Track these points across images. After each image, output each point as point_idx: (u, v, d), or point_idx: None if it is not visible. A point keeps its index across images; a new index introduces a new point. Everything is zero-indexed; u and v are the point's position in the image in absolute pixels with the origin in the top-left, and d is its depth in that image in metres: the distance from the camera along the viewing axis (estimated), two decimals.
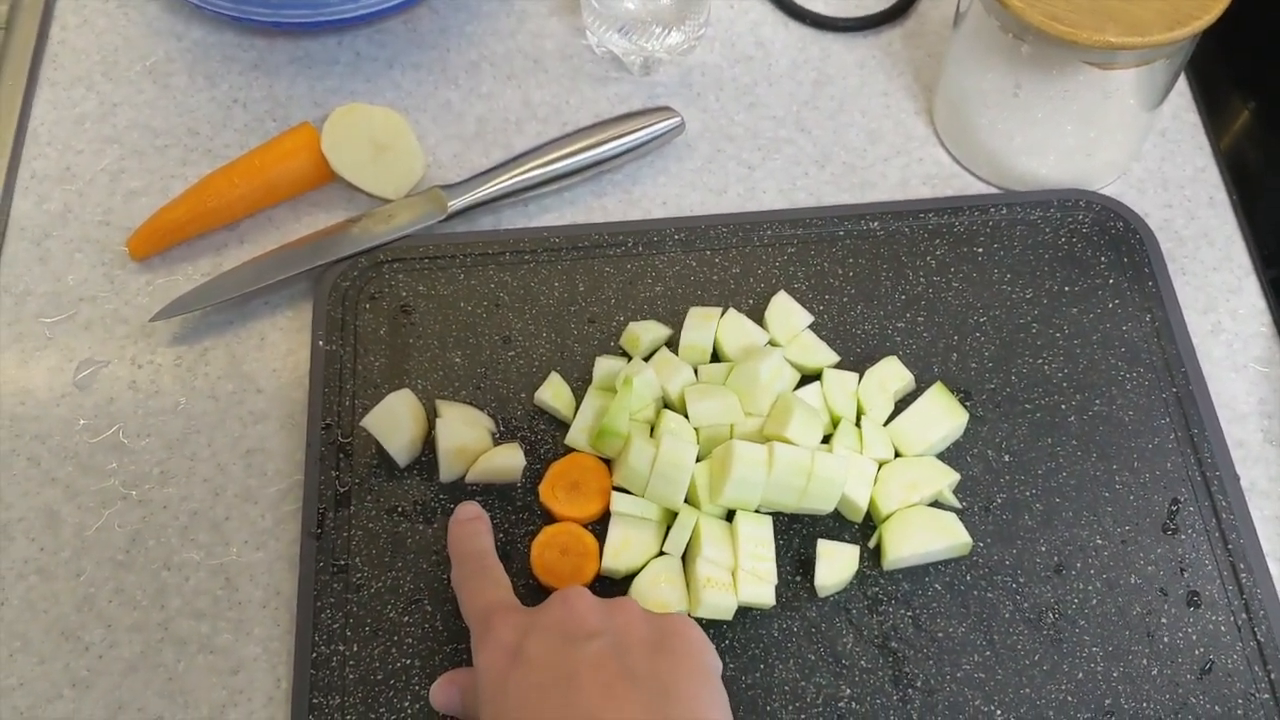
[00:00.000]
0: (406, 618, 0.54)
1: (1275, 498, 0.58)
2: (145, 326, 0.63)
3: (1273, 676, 0.52)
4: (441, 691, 0.50)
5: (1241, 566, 0.55)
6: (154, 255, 0.65)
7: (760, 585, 0.53)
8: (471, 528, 0.53)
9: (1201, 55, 0.73)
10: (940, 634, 0.54)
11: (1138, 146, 0.67)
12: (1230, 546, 0.55)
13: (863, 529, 0.56)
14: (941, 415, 0.57)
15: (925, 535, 0.54)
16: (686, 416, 0.56)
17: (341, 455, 0.58)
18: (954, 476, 0.56)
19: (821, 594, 0.54)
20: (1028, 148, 0.65)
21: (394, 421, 0.57)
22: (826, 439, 0.57)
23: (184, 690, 0.54)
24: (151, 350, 0.62)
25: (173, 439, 0.60)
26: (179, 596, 0.56)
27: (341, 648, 0.53)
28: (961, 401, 0.59)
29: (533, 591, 0.54)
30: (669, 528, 0.55)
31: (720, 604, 0.52)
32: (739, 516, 0.54)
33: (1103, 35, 0.56)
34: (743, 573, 0.53)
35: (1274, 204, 0.67)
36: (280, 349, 0.62)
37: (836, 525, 0.56)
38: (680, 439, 0.54)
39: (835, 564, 0.54)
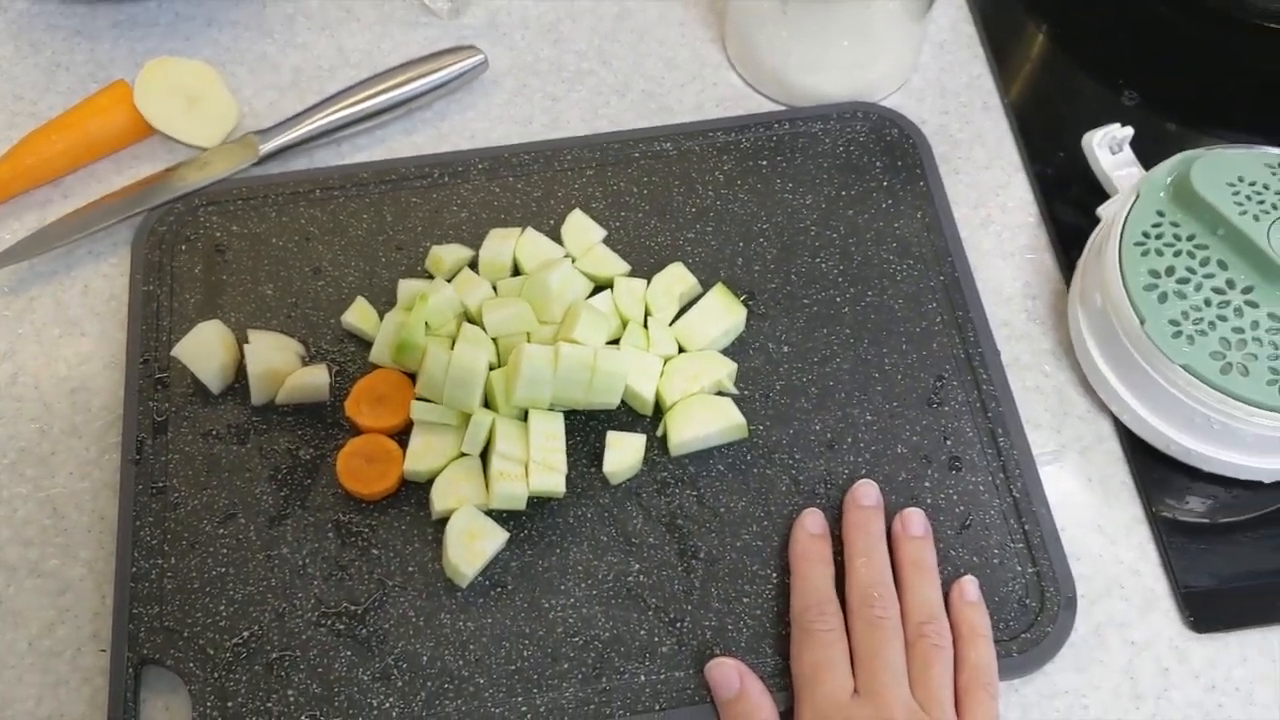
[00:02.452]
0: (221, 530, 0.57)
1: (1036, 370, 0.63)
2: None
3: (1026, 528, 0.57)
4: (723, 673, 0.52)
5: (999, 432, 0.59)
6: None
7: (551, 475, 0.56)
8: (807, 550, 0.55)
9: None
10: (722, 509, 0.58)
11: (913, 58, 0.72)
12: (989, 414, 0.60)
13: (655, 421, 0.60)
14: (722, 312, 0.61)
15: (704, 419, 0.58)
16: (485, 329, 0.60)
17: (159, 386, 0.61)
18: (731, 366, 0.60)
19: (613, 481, 0.58)
20: (806, 65, 0.69)
21: (204, 349, 0.60)
22: (619, 341, 0.61)
23: (14, 612, 0.57)
24: None
25: (1, 383, 0.62)
26: (8, 527, 0.59)
27: (160, 561, 0.56)
28: (745, 301, 0.63)
29: (342, 500, 0.58)
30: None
31: (512, 493, 0.56)
32: (532, 414, 0.58)
33: None
34: (534, 464, 0.56)
35: (1040, 102, 0.72)
36: (103, 294, 0.65)
37: (630, 419, 0.60)
38: (472, 345, 0.57)
39: (622, 452, 0.58)
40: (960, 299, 0.63)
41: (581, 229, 0.64)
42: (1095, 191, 0.66)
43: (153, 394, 0.60)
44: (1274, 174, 0.58)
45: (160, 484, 0.58)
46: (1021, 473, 0.58)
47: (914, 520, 0.56)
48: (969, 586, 0.55)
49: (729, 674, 0.53)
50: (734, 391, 0.60)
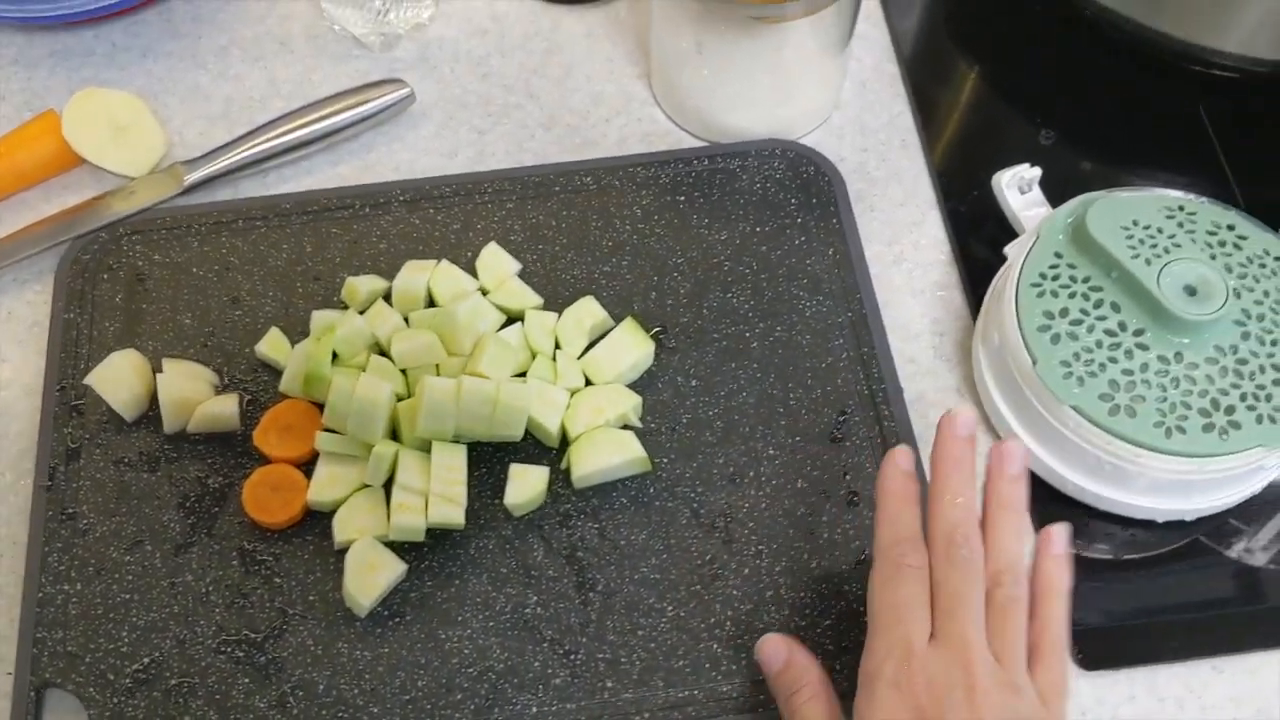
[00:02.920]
0: (128, 557, 0.58)
1: (940, 407, 0.63)
2: None
3: None
4: (771, 650, 0.52)
5: None
6: None
7: (449, 507, 0.57)
8: (898, 488, 0.51)
9: (912, 7, 0.79)
10: (623, 542, 0.58)
11: (833, 96, 0.73)
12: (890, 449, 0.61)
13: (561, 454, 0.61)
14: (630, 346, 0.62)
15: (607, 452, 0.59)
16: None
17: (74, 414, 0.62)
18: (636, 400, 0.61)
19: (515, 513, 0.59)
20: (725, 104, 0.70)
21: (117, 378, 0.61)
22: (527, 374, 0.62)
23: None
24: None
25: None
26: None
27: (66, 587, 0.57)
28: (656, 335, 0.64)
29: (247, 529, 0.58)
30: None
31: (410, 525, 0.57)
32: (435, 446, 0.58)
33: None
34: (433, 496, 0.57)
35: (958, 140, 0.73)
36: (26, 321, 0.66)
37: (537, 451, 0.61)
38: (375, 379, 0.58)
39: (525, 484, 0.59)
40: (866, 335, 0.64)
41: (496, 262, 0.65)
42: (1007, 231, 0.67)
43: (67, 421, 0.61)
44: (1169, 218, 0.59)
45: (70, 510, 0.59)
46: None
47: (1014, 457, 0.51)
48: (1058, 537, 0.51)
49: (776, 647, 0.52)
50: (638, 425, 0.61)
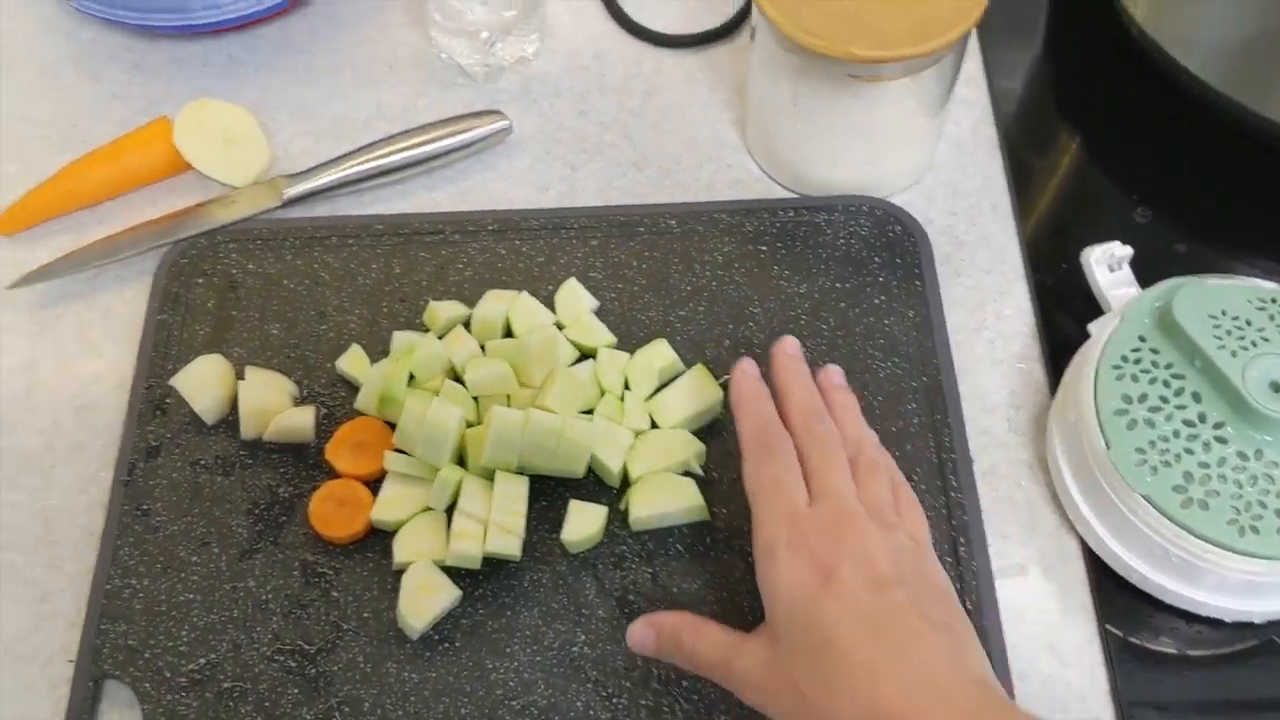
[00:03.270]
0: (195, 558, 0.60)
1: (1010, 481, 0.62)
2: (6, 294, 0.69)
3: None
4: (640, 633, 0.53)
5: (961, 541, 0.59)
6: (22, 231, 0.72)
7: (507, 538, 0.58)
8: (752, 388, 0.56)
9: (1015, 73, 0.78)
10: (675, 589, 0.58)
11: (927, 157, 0.72)
12: (954, 522, 0.60)
13: (621, 494, 0.61)
14: (698, 392, 0.62)
15: (665, 497, 0.59)
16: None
17: (158, 412, 0.64)
18: (699, 447, 0.61)
19: (571, 550, 0.59)
20: (815, 157, 0.70)
21: (201, 382, 0.63)
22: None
23: None
24: (11, 315, 0.69)
25: (17, 394, 0.66)
26: (3, 533, 0.62)
27: (133, 581, 0.59)
28: (725, 384, 0.64)
29: (311, 540, 0.60)
30: None
31: (466, 553, 0.57)
32: (498, 475, 0.59)
33: (848, 48, 0.61)
34: (492, 525, 0.58)
35: (1051, 210, 0.72)
36: (123, 319, 0.69)
37: (598, 489, 0.61)
38: (446, 404, 0.59)
39: (583, 521, 0.59)
40: (940, 402, 0.63)
41: (574, 298, 0.66)
42: (1094, 307, 0.66)
43: (151, 419, 0.64)
44: (1260, 310, 0.58)
45: (145, 507, 0.61)
46: (978, 584, 0.58)
47: (834, 371, 0.59)
48: (835, 371, 0.59)
49: (641, 632, 0.53)
50: (700, 473, 0.61)
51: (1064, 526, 0.61)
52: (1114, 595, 0.59)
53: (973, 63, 0.78)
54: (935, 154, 0.73)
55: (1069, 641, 0.58)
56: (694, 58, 0.79)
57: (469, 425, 0.61)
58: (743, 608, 0.58)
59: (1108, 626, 0.58)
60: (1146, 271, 0.65)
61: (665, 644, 0.53)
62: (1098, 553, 0.59)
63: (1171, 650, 0.58)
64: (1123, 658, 0.57)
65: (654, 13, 0.80)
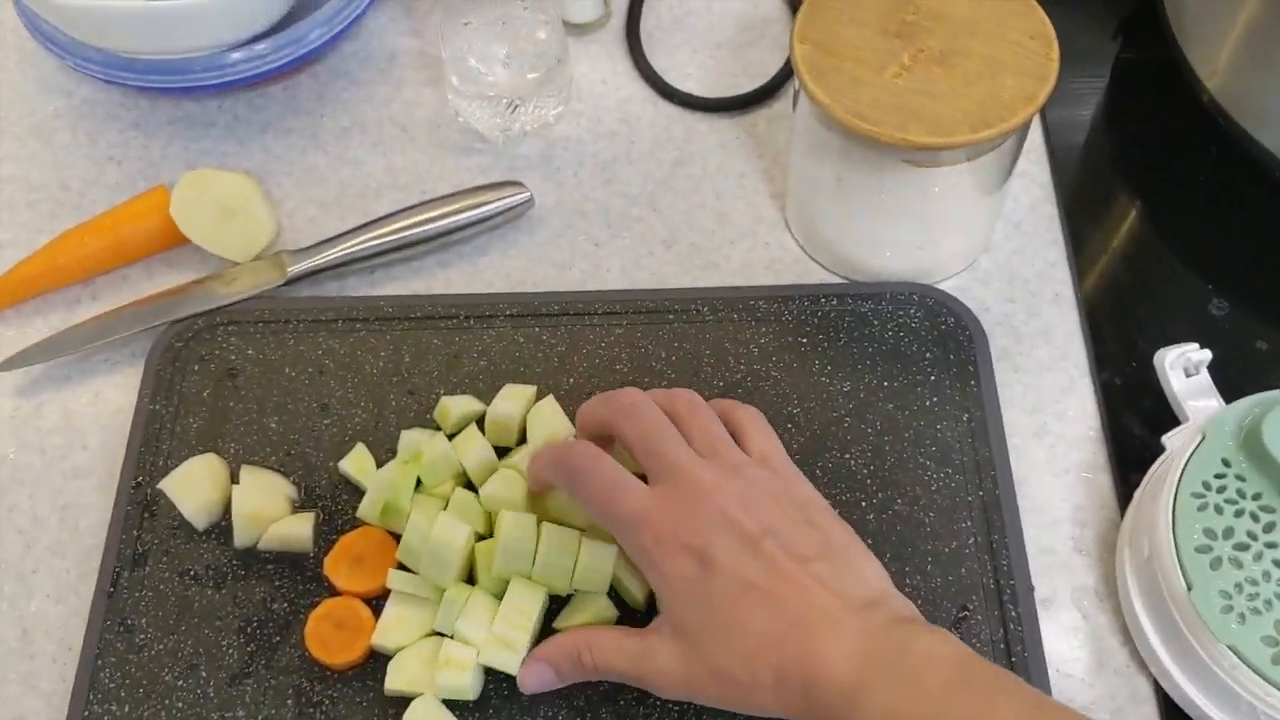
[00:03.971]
0: (181, 682, 0.55)
1: (1073, 609, 0.57)
2: None
3: None
4: (533, 673, 0.52)
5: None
6: (8, 308, 0.67)
7: (507, 654, 0.52)
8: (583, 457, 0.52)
9: (1077, 145, 0.72)
10: None
11: (980, 240, 0.67)
12: (1013, 659, 0.54)
13: (648, 619, 0.56)
14: None
15: None
16: None
17: (146, 514, 0.59)
18: None
19: None
20: (861, 239, 0.64)
21: (191, 485, 0.58)
22: None
23: None
24: None
25: None
26: None
27: (114, 708, 0.54)
28: None
29: (307, 664, 0.55)
30: None
31: (454, 685, 0.52)
32: (512, 582, 0.54)
33: (904, 134, 0.56)
34: (492, 637, 0.52)
35: (1117, 300, 0.66)
36: (111, 406, 0.64)
37: (623, 615, 0.56)
38: (453, 520, 0.54)
39: None
40: (998, 519, 0.58)
41: (547, 420, 0.60)
42: (1168, 412, 0.60)
43: (139, 523, 0.59)
44: None
45: (129, 622, 0.56)
46: None
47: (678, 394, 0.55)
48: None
49: (538, 674, 0.52)
50: None
51: (1134, 664, 0.55)
52: None
53: (1035, 133, 0.72)
54: (994, 233, 0.68)
55: None
56: (729, 123, 0.73)
57: (480, 538, 0.56)
58: None
59: None
60: (1225, 373, 0.59)
61: (567, 670, 0.51)
62: (1174, 698, 0.53)
63: None
64: None
65: (686, 73, 0.75)
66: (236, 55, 0.68)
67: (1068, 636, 0.56)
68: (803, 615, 0.47)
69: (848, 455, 0.60)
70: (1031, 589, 0.56)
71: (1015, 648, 0.54)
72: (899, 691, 0.44)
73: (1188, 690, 0.52)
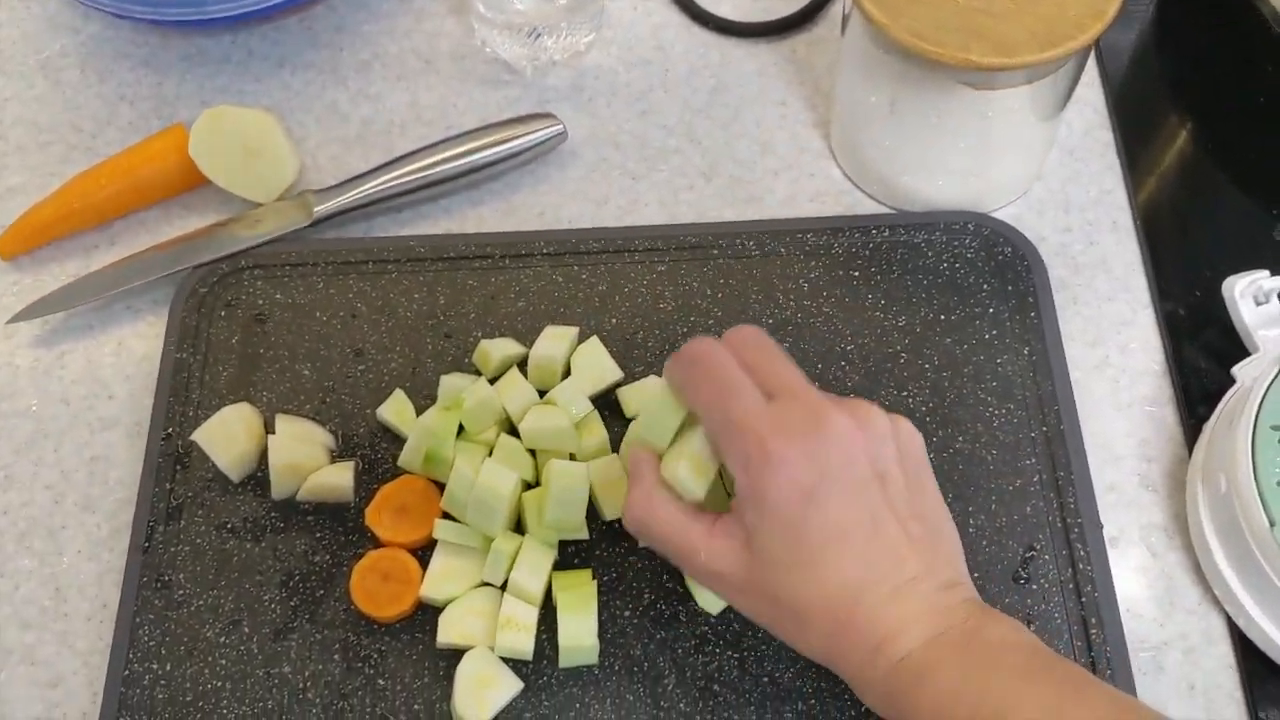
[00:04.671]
0: (223, 638, 0.53)
1: (1142, 547, 0.55)
2: (6, 328, 0.62)
3: None
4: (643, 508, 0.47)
5: (1092, 621, 0.52)
6: (23, 255, 0.64)
7: (517, 634, 0.51)
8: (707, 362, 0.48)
9: (1131, 66, 0.69)
10: (766, 679, 0.51)
11: (1035, 167, 0.64)
12: (1083, 599, 0.52)
13: None
14: None
15: None
16: None
17: (179, 467, 0.57)
18: None
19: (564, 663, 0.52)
20: (912, 166, 0.62)
21: (226, 436, 0.56)
22: None
23: (2, 700, 0.53)
24: (11, 352, 0.62)
25: (20, 443, 0.59)
26: (9, 605, 0.55)
27: (155, 666, 0.52)
28: None
29: (353, 618, 0.53)
30: None
31: (515, 646, 0.50)
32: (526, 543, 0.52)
33: (967, 54, 0.53)
34: (503, 619, 0.51)
35: (1179, 226, 0.63)
36: (136, 354, 0.62)
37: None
38: (498, 467, 0.52)
39: (575, 628, 0.51)
40: (1063, 456, 0.55)
41: (594, 360, 0.58)
42: (1235, 343, 0.58)
43: (171, 475, 0.57)
44: None
45: (166, 578, 0.54)
46: (1113, 673, 0.51)
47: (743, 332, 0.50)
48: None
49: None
50: None
51: (1208, 602, 0.53)
52: (1267, 684, 0.51)
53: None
54: (1046, 162, 0.65)
55: None
56: (768, 49, 0.70)
57: (527, 486, 0.54)
58: (843, 700, 0.51)
59: (1260, 715, 0.51)
60: None
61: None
62: (1251, 637, 0.51)
63: None
64: None
65: None
66: None
67: (1137, 576, 0.54)
68: (888, 577, 0.44)
69: (905, 393, 0.58)
70: (1100, 526, 0.54)
71: (1085, 587, 0.52)
72: (972, 675, 0.42)
73: (1266, 628, 0.50)
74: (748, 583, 0.46)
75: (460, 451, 0.54)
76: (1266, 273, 0.57)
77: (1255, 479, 0.49)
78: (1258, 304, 0.57)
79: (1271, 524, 0.48)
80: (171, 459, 0.57)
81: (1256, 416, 0.51)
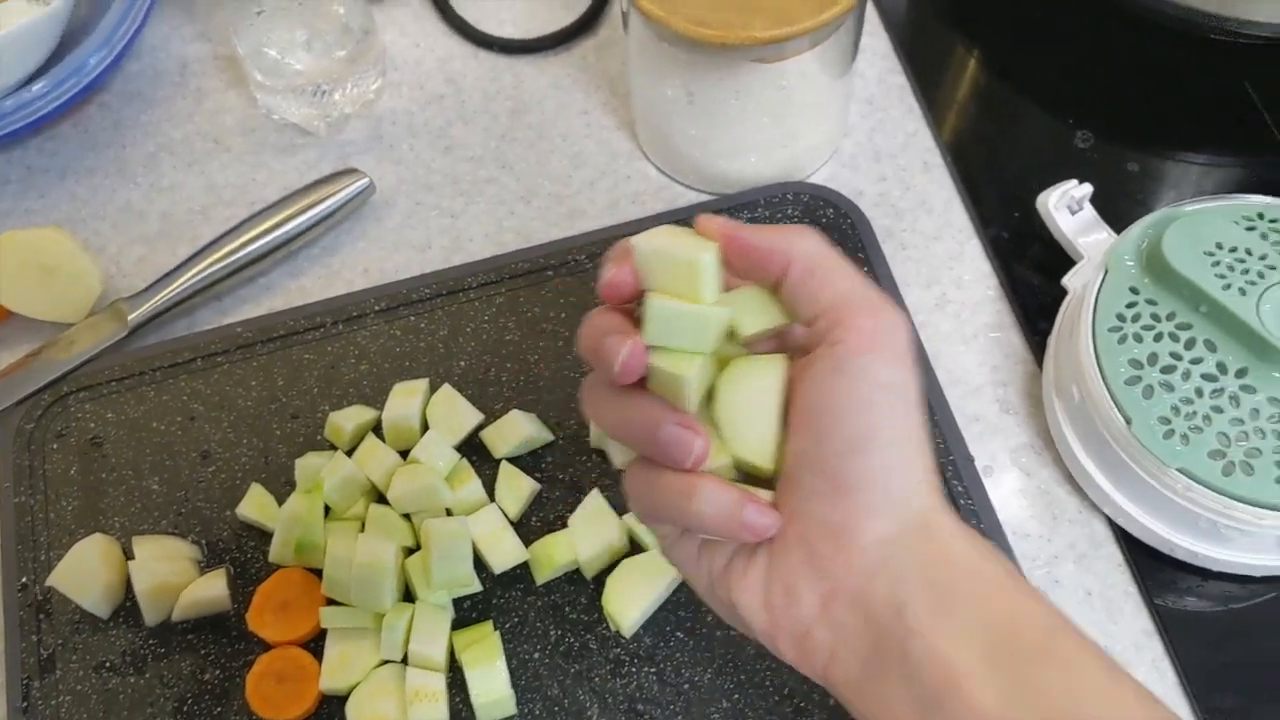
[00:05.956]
0: None
1: (1015, 470, 0.56)
2: None
3: None
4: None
5: None
6: None
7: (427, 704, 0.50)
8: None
9: (909, 7, 0.71)
10: (686, 685, 0.51)
11: (840, 124, 0.65)
12: None
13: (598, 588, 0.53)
14: None
15: (646, 586, 0.51)
16: None
17: (42, 615, 0.54)
18: None
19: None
20: (722, 151, 0.62)
21: (84, 573, 0.53)
22: None
23: None
24: None
25: None
26: None
27: None
28: None
29: None
30: None
31: (430, 718, 0.49)
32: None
33: (750, 32, 0.53)
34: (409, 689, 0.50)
35: (986, 154, 0.65)
36: None
37: (574, 586, 0.53)
38: (374, 538, 0.51)
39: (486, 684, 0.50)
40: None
41: (451, 409, 0.56)
42: (1059, 254, 0.59)
43: (36, 626, 0.53)
44: (1250, 230, 0.52)
45: None
46: None
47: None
48: None
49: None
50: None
51: (1087, 508, 0.55)
52: (1157, 573, 0.53)
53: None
54: (848, 117, 0.66)
55: (1122, 637, 0.52)
56: (558, 61, 0.70)
57: (408, 552, 0.53)
58: (765, 687, 0.51)
59: (1159, 613, 0.52)
60: (1107, 203, 0.59)
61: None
62: (1133, 533, 0.53)
63: (1232, 624, 0.52)
64: (1184, 643, 0.51)
65: (501, 19, 0.71)
66: (8, 103, 0.62)
67: (1017, 498, 0.56)
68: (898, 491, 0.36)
69: None
70: (971, 459, 0.55)
71: (970, 522, 0.53)
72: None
73: (1146, 522, 0.52)
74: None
75: (331, 533, 0.53)
76: (1075, 181, 0.59)
77: (1104, 381, 0.51)
78: (1073, 213, 0.59)
79: (1128, 421, 0.50)
80: (33, 609, 0.54)
81: (1093, 322, 0.52)
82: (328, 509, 0.54)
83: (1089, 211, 0.59)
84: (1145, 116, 0.66)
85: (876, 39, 0.69)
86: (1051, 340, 0.56)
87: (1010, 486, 0.56)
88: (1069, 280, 0.57)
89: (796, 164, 0.64)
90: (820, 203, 0.62)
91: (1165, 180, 0.63)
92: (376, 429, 0.57)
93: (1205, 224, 0.52)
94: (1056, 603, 0.51)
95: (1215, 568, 0.52)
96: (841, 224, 0.61)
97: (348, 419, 0.56)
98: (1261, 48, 0.65)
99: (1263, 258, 0.51)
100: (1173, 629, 0.52)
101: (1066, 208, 0.59)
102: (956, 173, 0.64)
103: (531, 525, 0.54)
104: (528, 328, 0.60)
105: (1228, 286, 0.50)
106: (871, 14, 0.70)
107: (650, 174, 0.65)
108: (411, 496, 0.53)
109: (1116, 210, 0.59)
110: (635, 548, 0.53)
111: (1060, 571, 0.54)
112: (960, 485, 0.54)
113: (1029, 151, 0.65)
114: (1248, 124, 0.65)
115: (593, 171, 0.66)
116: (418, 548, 0.53)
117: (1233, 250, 0.51)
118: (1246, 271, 0.50)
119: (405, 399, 0.56)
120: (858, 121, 0.66)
